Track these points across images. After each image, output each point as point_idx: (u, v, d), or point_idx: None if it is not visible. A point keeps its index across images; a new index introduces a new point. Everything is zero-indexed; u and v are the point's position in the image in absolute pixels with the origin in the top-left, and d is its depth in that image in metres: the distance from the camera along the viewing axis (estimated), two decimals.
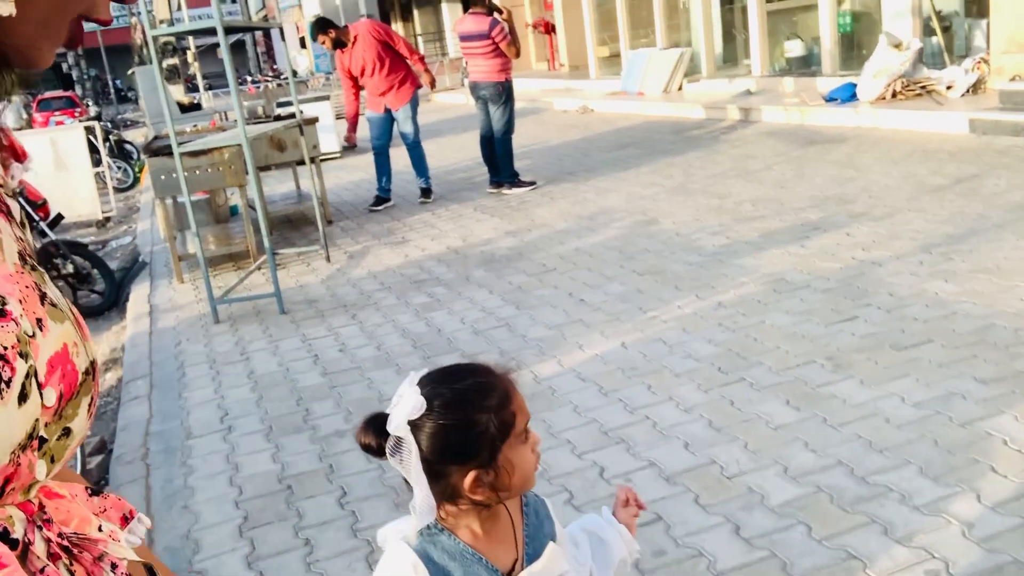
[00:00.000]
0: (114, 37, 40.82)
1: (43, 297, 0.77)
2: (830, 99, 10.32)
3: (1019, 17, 8.89)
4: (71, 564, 0.76)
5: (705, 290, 4.86)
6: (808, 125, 10.01)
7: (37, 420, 0.72)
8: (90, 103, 27.34)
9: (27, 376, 0.71)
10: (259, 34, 43.87)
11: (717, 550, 2.56)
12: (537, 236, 6.61)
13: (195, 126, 8.73)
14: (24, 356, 0.71)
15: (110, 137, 14.08)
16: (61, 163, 9.68)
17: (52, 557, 0.74)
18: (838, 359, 3.74)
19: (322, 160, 8.86)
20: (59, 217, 7.79)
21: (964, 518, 2.53)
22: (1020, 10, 8.88)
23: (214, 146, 5.98)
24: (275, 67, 39.87)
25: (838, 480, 2.83)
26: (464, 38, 8.31)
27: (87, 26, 0.81)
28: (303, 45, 31.78)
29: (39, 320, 0.75)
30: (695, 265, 5.33)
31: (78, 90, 35.88)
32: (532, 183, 8.49)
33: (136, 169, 13.82)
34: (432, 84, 8.78)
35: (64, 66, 41.58)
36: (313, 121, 8.16)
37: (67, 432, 0.77)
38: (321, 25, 8.28)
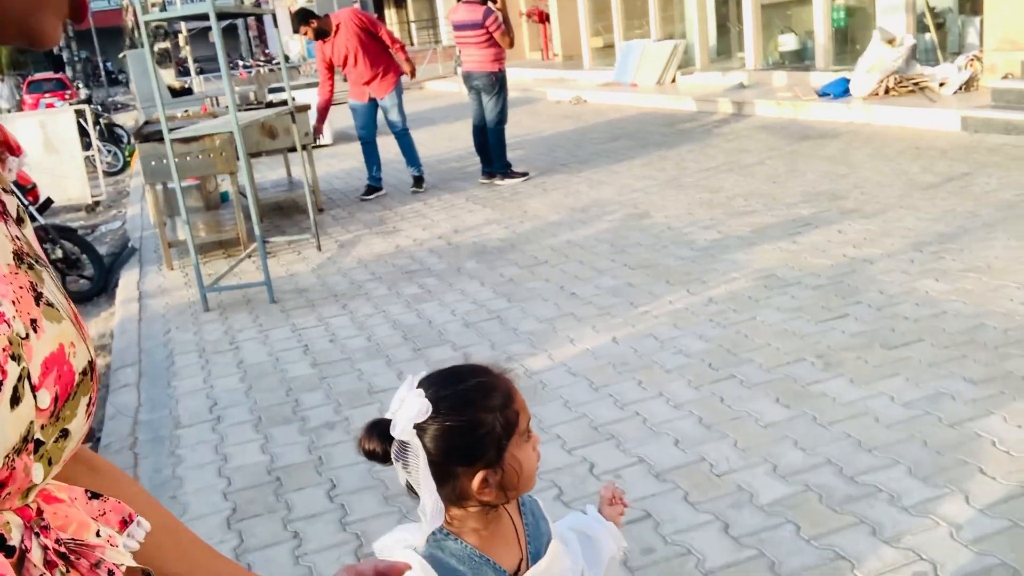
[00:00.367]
0: (105, 19, 40.54)
1: (39, 297, 0.76)
2: (823, 94, 10.32)
3: (1012, 15, 8.89)
4: (67, 571, 0.75)
5: (696, 285, 4.86)
6: (801, 120, 10.02)
7: (32, 423, 0.71)
8: (80, 85, 27.13)
9: (20, 378, 0.70)
10: (251, 18, 43.63)
11: (706, 548, 2.56)
12: (529, 228, 6.60)
13: (186, 111, 8.68)
14: (16, 358, 0.70)
15: (100, 120, 13.98)
16: (51, 146, 9.62)
17: (48, 565, 0.73)
18: (828, 357, 3.75)
19: (314, 148, 8.82)
20: (48, 201, 7.73)
21: (952, 520, 2.54)
22: (1013, 8, 8.89)
23: (205, 133, 5.94)
24: (267, 52, 39.67)
25: (827, 479, 2.83)
26: (458, 27, 8.27)
27: None
28: (296, 30, 31.62)
29: (34, 321, 0.74)
30: (687, 259, 5.33)
31: (68, 72, 35.58)
32: (524, 174, 8.48)
33: (126, 153, 13.73)
34: (413, 74, 8.75)
35: (54, 47, 41.27)
36: (305, 108, 8.13)
37: (65, 434, 0.76)
38: (302, 16, 8.23)
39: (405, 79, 8.65)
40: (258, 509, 3.10)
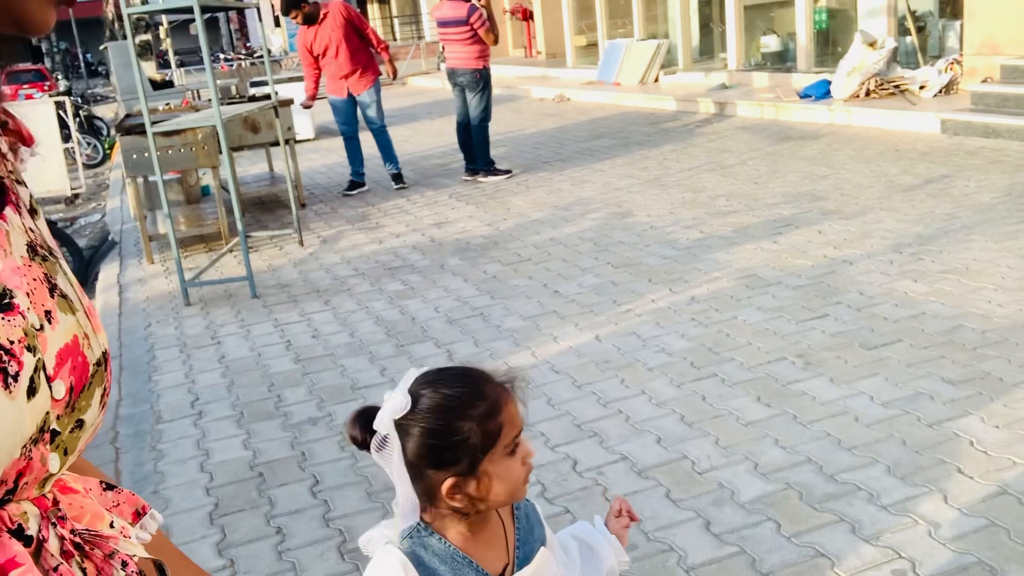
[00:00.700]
0: (85, 10, 40.14)
1: (53, 288, 0.76)
2: (804, 96, 10.38)
3: (992, 20, 8.98)
4: (83, 561, 0.76)
5: (679, 284, 4.89)
6: (782, 121, 10.08)
7: (48, 413, 0.72)
8: (60, 76, 26.87)
9: (36, 369, 0.70)
10: (232, 11, 43.35)
11: (687, 545, 2.58)
12: (512, 225, 6.61)
13: (168, 104, 8.62)
14: (32, 349, 0.70)
15: (80, 112, 13.87)
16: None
17: (65, 555, 0.74)
18: (808, 356, 3.78)
19: (296, 142, 8.79)
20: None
21: (931, 518, 2.57)
22: (993, 12, 8.98)
23: (188, 126, 5.91)
24: (248, 45, 39.46)
25: (807, 477, 2.86)
26: (442, 24, 8.26)
27: None
28: (277, 24, 31.46)
29: (48, 312, 0.74)
30: (669, 259, 5.35)
31: (47, 63, 35.27)
32: (508, 172, 8.48)
33: (106, 145, 13.63)
34: (394, 75, 8.77)
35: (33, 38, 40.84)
36: (288, 103, 8.09)
37: (80, 424, 0.77)
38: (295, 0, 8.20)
39: (386, 78, 8.65)
40: (241, 504, 3.09)
